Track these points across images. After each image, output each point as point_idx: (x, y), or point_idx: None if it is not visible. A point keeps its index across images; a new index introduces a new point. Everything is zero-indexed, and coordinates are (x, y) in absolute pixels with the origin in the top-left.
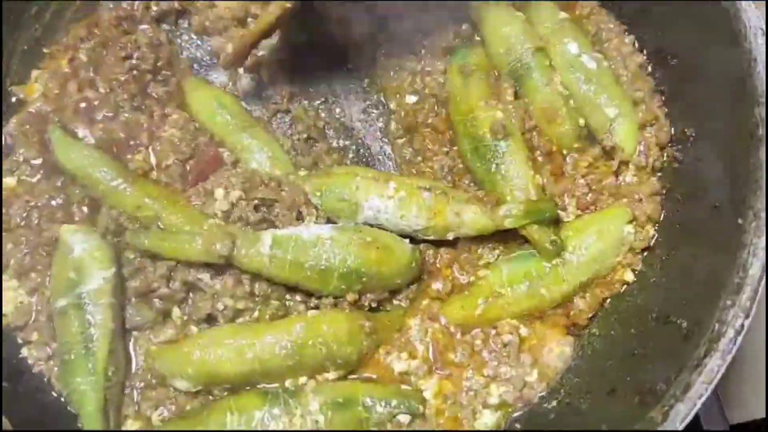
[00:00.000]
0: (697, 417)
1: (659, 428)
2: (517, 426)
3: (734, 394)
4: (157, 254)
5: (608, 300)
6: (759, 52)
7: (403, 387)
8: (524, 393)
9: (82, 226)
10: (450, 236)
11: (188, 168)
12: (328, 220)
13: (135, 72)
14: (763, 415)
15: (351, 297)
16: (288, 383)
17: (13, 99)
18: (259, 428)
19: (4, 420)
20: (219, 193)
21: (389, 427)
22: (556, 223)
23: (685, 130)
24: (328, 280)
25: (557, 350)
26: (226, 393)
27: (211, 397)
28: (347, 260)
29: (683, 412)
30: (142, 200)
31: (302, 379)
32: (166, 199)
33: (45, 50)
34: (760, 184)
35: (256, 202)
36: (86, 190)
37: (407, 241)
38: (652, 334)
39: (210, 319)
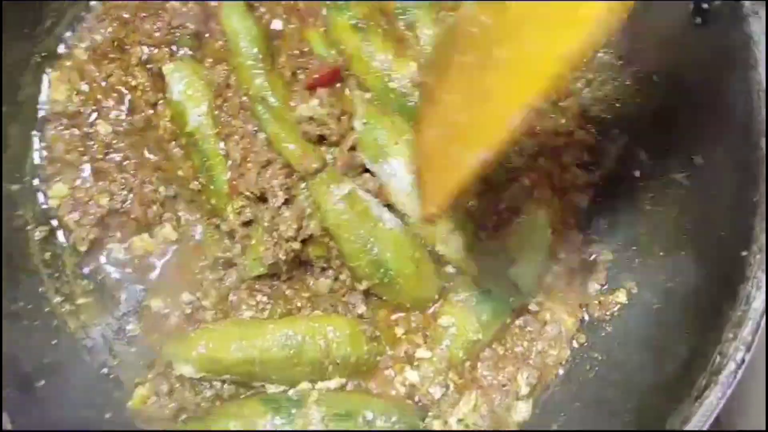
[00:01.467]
0: None
1: None
2: None
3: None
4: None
5: (610, 325)
6: None
7: (407, 402)
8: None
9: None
10: None
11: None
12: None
13: None
14: (764, 428)
15: (365, 285)
16: (291, 392)
17: None
18: None
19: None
20: (313, 102)
21: None
22: None
23: (693, 157)
24: (360, 256)
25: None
26: (230, 389)
27: (218, 403)
28: (388, 255)
29: None
30: (266, 92)
31: (304, 385)
32: (282, 98)
33: None
34: (765, 217)
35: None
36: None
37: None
38: (652, 363)
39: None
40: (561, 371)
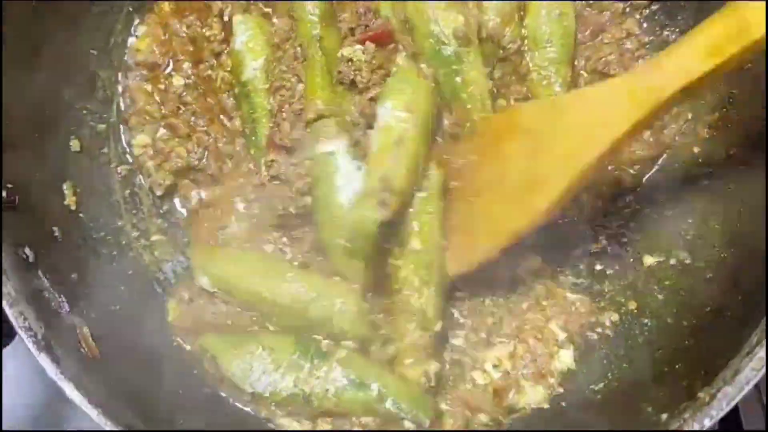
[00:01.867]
0: (738, 417)
1: (706, 408)
2: (563, 405)
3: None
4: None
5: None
6: None
7: (423, 395)
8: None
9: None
10: None
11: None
12: None
13: None
14: (764, 428)
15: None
16: (324, 343)
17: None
18: (278, 373)
19: None
20: (357, 47)
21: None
22: None
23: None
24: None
25: None
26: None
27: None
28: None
29: (731, 395)
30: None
31: (317, 337)
32: (332, 48)
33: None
34: None
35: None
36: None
37: None
38: (705, 327)
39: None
40: (610, 333)
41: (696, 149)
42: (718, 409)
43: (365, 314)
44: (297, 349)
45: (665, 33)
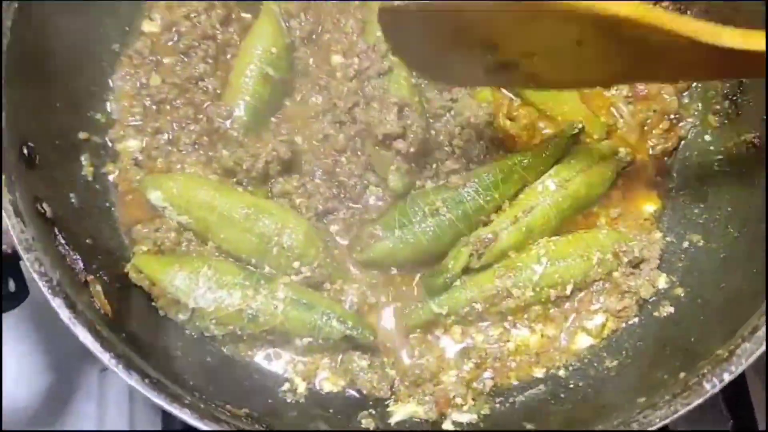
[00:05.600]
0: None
1: (725, 365)
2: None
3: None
4: None
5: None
6: None
7: (364, 319)
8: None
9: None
10: None
11: None
12: None
13: None
14: (764, 428)
15: None
16: (267, 269)
17: None
18: (224, 291)
19: None
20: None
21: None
22: None
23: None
24: None
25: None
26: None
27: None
28: None
29: (749, 350)
30: None
31: (268, 269)
32: None
33: None
34: None
35: None
36: None
37: None
38: (720, 303)
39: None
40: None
41: (707, 137)
42: (738, 365)
43: (313, 236)
44: (242, 272)
45: None
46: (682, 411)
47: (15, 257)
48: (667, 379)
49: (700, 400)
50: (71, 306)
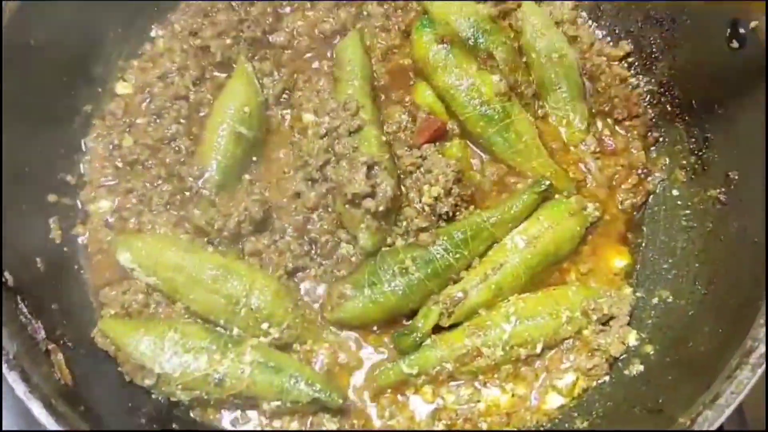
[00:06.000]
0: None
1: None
2: None
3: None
4: None
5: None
6: None
7: (333, 382)
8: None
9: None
10: None
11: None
12: None
13: None
14: (764, 428)
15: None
16: (235, 332)
17: None
18: (190, 355)
19: None
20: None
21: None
22: None
23: (729, 173)
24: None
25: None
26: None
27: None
28: None
29: (711, 418)
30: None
31: (236, 331)
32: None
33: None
34: None
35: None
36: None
37: None
38: (686, 360)
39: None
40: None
41: (675, 192)
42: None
43: (283, 296)
44: (209, 336)
45: None
46: None
47: None
48: None
49: None
50: (26, 380)
